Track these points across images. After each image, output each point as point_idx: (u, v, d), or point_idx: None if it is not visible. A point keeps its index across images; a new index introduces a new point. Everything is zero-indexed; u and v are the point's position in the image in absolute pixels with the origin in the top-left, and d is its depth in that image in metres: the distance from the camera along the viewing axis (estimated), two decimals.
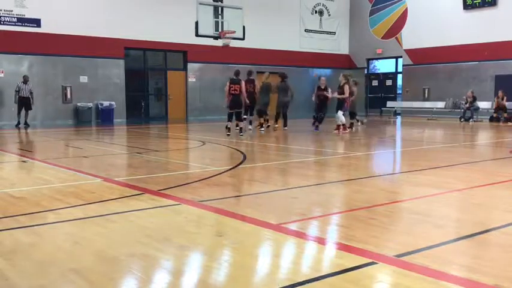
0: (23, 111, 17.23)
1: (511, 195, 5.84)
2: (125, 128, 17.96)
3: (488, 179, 6.60)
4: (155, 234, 3.96)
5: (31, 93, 17.34)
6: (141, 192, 5.60)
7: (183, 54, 22.72)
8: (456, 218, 4.70)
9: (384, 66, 27.36)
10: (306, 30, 26.17)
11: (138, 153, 9.94)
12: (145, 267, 3.26)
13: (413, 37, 24.60)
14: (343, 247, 3.64)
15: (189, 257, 3.54)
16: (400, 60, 26.01)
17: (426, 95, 24.77)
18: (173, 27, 21.41)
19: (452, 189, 5.94)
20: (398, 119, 23.76)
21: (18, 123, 17.11)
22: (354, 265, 3.21)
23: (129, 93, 21.55)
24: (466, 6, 22.76)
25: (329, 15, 26.94)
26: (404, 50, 25.30)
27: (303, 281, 2.94)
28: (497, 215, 4.77)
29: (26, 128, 16.76)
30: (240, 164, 8.08)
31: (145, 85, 22.67)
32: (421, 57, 24.56)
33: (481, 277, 3.01)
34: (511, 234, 4.11)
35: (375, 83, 27.48)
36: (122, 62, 21.00)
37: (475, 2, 22.50)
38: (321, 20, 26.68)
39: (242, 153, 9.52)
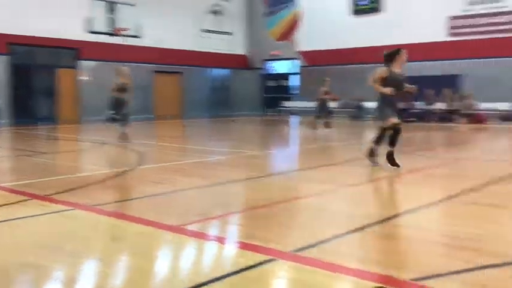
0: None
1: (393, 189, 6.27)
2: (9, 129, 16.71)
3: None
4: (46, 242, 3.73)
5: None
6: (28, 198, 5.24)
7: (75, 51, 21.63)
8: (349, 212, 4.94)
9: (280, 67, 28.14)
10: (202, 30, 26.12)
11: (25, 155, 9.29)
12: (37, 277, 3.05)
13: (307, 40, 25.55)
14: (243, 246, 3.67)
15: (83, 264, 3.36)
16: (295, 62, 26.88)
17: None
18: (64, 22, 20.27)
19: (343, 185, 6.25)
20: (294, 118, 24.47)
21: None
22: (254, 263, 3.25)
23: (15, 92, 20.05)
24: (355, 12, 24.29)
25: (225, 15, 27.14)
26: (299, 52, 26.19)
27: (204, 282, 2.92)
28: (384, 208, 5.09)
29: None
30: (136, 165, 7.86)
31: (33, 83, 21.24)
32: (315, 59, 25.60)
33: (371, 267, 3.19)
34: (398, 225, 4.44)
35: (271, 83, 28.17)
36: (5, 58, 19.50)
37: (362, 8, 24.11)
38: (217, 20, 26.78)
39: (138, 153, 9.26)
